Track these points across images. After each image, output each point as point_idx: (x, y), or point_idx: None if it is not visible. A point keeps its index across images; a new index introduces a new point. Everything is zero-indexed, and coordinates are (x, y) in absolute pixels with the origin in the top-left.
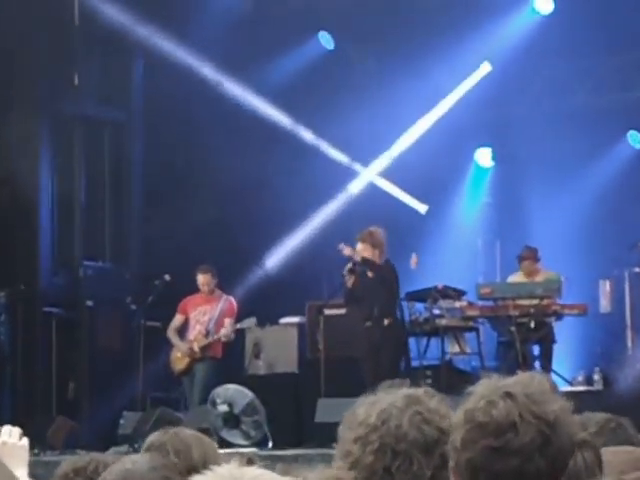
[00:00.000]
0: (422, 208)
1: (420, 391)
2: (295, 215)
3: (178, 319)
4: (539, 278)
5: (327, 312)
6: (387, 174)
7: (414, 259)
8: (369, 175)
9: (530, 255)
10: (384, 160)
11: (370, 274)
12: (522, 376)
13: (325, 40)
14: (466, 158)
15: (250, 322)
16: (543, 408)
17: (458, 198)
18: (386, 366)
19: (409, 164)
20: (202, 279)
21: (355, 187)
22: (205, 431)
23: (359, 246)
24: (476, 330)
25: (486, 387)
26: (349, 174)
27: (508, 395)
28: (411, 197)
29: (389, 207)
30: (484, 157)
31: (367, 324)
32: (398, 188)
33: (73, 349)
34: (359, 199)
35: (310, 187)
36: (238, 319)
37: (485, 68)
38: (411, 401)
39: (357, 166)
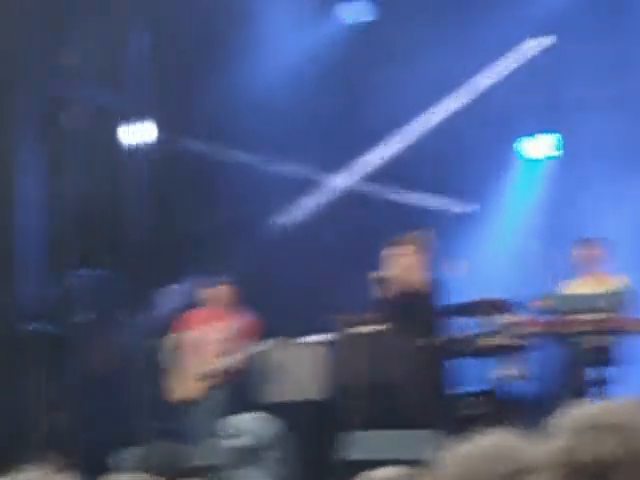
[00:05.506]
0: (459, 207)
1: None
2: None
3: (182, 336)
4: (603, 285)
5: (362, 329)
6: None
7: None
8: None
9: (589, 243)
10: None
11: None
12: (622, 405)
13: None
14: (511, 148)
15: (267, 345)
16: None
17: (503, 196)
18: (422, 392)
19: (444, 153)
20: (215, 293)
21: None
22: (215, 468)
23: (400, 249)
24: (526, 349)
25: (579, 419)
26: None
27: (609, 428)
28: (444, 195)
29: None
30: (543, 146)
31: (401, 344)
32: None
33: (62, 372)
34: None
35: None
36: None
37: (544, 42)
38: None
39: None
